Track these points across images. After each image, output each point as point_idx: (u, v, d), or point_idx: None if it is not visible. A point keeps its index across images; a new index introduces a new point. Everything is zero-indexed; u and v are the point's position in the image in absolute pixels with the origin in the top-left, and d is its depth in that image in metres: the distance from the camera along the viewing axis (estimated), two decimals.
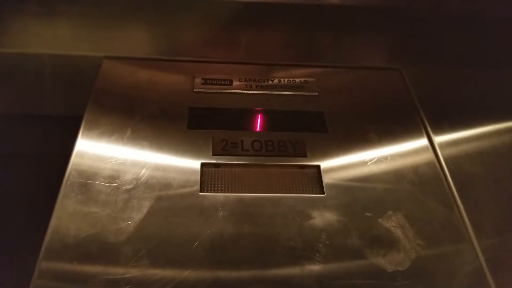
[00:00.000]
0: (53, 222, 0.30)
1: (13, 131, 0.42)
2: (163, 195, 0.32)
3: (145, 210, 0.31)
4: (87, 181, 0.32)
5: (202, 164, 0.35)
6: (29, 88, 0.45)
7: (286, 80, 0.43)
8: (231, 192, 0.33)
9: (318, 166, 0.35)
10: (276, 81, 0.43)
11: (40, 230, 0.29)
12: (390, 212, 0.33)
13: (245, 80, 0.42)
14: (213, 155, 0.35)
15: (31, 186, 0.38)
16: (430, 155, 0.38)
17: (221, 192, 0.33)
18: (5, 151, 0.41)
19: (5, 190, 0.38)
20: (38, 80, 0.45)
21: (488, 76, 0.47)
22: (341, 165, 0.36)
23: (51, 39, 0.45)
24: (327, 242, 0.31)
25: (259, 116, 0.39)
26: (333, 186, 0.34)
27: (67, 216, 0.30)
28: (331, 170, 0.35)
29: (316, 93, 0.42)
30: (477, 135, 0.41)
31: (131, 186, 0.33)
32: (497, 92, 0.45)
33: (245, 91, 0.41)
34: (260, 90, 0.42)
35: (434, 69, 0.47)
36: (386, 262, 0.30)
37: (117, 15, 0.46)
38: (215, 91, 0.41)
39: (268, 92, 0.42)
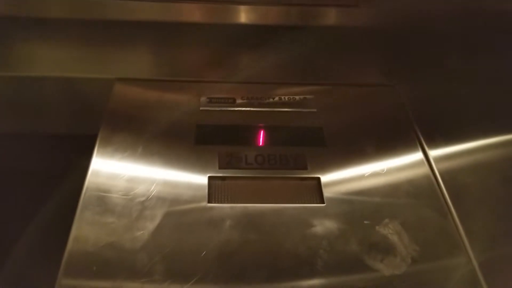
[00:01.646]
0: (73, 232, 0.32)
1: (32, 150, 0.45)
2: (173, 206, 0.34)
3: (157, 220, 0.33)
4: (104, 194, 0.34)
5: (210, 177, 0.36)
6: (46, 109, 0.48)
7: (286, 97, 0.45)
8: (237, 203, 0.35)
9: (318, 178, 0.37)
10: (277, 98, 0.45)
11: (61, 242, 0.31)
12: (387, 220, 0.35)
13: (248, 98, 0.44)
14: (219, 168, 0.37)
15: (50, 200, 0.39)
16: (424, 166, 0.39)
17: (228, 203, 0.35)
18: (24, 169, 0.43)
19: (26, 206, 0.39)
20: (54, 101, 0.47)
21: (481, 91, 0.48)
22: (339, 176, 0.38)
23: (66, 63, 0.47)
24: (328, 248, 0.32)
25: (262, 131, 0.42)
26: (333, 196, 0.36)
27: (86, 226, 0.32)
28: (330, 181, 0.37)
29: (315, 110, 0.44)
30: (470, 148, 0.42)
31: (144, 198, 0.34)
32: (491, 105, 0.47)
33: (248, 109, 0.44)
34: (262, 107, 0.44)
35: (427, 85, 0.48)
36: (384, 266, 0.32)
37: (128, 40, 0.49)
38: (219, 109, 0.43)
39: (270, 109, 0.44)
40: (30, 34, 0.48)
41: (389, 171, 0.38)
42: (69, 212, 0.32)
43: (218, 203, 0.35)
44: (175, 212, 0.34)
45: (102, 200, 0.34)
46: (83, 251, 0.31)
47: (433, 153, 0.41)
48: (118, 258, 0.31)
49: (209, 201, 0.35)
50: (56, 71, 0.46)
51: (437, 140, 0.42)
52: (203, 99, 0.44)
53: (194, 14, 0.51)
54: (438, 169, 0.39)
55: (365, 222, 0.34)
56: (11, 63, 0.47)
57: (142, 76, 0.46)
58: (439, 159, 0.40)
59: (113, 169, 0.37)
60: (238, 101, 0.44)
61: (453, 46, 0.51)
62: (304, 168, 0.38)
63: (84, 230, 0.32)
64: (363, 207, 0.35)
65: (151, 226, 0.33)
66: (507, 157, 0.42)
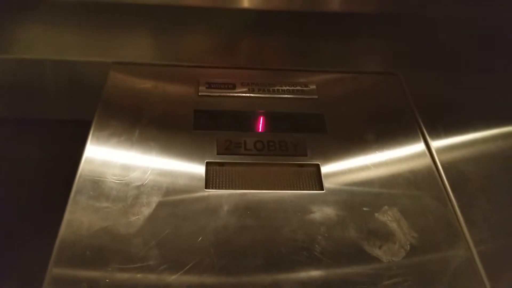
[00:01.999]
0: (66, 217, 0.31)
1: (27, 135, 0.44)
2: (170, 192, 0.34)
3: (153, 205, 0.33)
4: (98, 178, 0.34)
5: (207, 163, 0.36)
6: (41, 92, 0.47)
7: (287, 84, 0.44)
8: (235, 189, 0.35)
9: (318, 165, 0.37)
10: (277, 85, 0.44)
11: (54, 225, 0.31)
12: (386, 207, 0.34)
13: (248, 84, 0.44)
14: (218, 154, 0.37)
15: (45, 184, 0.39)
16: (425, 156, 0.39)
17: (225, 188, 0.35)
18: (19, 154, 0.43)
19: (21, 190, 0.39)
20: (50, 84, 0.47)
21: (484, 81, 0.48)
22: (339, 164, 0.37)
23: (62, 46, 0.47)
24: (326, 234, 0.32)
25: (261, 117, 0.41)
26: (332, 183, 0.36)
27: (80, 211, 0.32)
28: (330, 168, 0.37)
29: (316, 96, 0.43)
30: (472, 139, 0.42)
31: (140, 183, 0.34)
32: (493, 96, 0.46)
33: (248, 95, 0.43)
34: (262, 94, 0.43)
35: (430, 74, 0.48)
36: (382, 253, 0.32)
37: (125, 24, 0.48)
38: (218, 94, 0.43)
39: (270, 95, 0.43)
40: (26, 17, 0.48)
41: (389, 159, 0.38)
42: (62, 198, 0.32)
43: (215, 189, 0.35)
44: (171, 197, 0.34)
45: (97, 185, 0.34)
46: (76, 237, 0.30)
47: (435, 142, 0.40)
48: (112, 243, 0.30)
49: (206, 187, 0.35)
50: (52, 54, 0.46)
51: (438, 129, 0.42)
52: (202, 84, 0.43)
53: None
54: (439, 159, 0.39)
55: (364, 209, 0.34)
56: (7, 45, 0.46)
57: (140, 60, 0.46)
58: (441, 148, 0.40)
59: (108, 154, 0.36)
60: (238, 86, 0.44)
61: (459, 34, 0.50)
62: (304, 154, 0.38)
63: (78, 215, 0.32)
64: (363, 194, 0.35)
65: (146, 211, 0.32)
66: (509, 148, 0.42)
